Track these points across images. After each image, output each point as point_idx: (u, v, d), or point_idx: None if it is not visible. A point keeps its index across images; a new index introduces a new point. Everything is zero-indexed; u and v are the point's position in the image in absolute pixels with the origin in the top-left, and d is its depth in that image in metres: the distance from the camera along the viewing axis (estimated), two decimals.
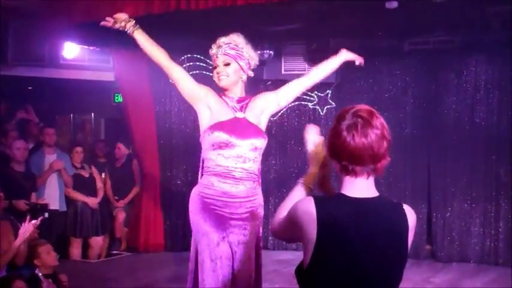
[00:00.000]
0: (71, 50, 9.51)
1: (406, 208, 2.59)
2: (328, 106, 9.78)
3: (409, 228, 2.56)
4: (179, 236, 9.72)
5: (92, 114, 12.15)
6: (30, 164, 8.62)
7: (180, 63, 9.43)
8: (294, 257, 8.56)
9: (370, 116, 2.50)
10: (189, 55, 9.51)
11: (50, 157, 8.89)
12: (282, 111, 9.65)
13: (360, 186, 2.53)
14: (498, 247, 9.01)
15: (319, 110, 9.80)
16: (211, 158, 4.30)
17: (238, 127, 4.31)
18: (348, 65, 4.94)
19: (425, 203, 9.42)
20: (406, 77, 9.49)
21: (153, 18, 7.21)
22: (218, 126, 4.28)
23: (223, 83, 4.43)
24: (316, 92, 9.73)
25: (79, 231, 9.06)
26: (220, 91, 4.51)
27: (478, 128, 9.11)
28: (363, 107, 2.56)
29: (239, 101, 4.45)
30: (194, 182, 4.58)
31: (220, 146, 4.26)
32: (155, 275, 8.23)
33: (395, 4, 6.98)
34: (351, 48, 4.89)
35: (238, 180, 4.28)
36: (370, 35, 8.98)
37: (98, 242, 9.29)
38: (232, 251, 4.29)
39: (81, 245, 9.18)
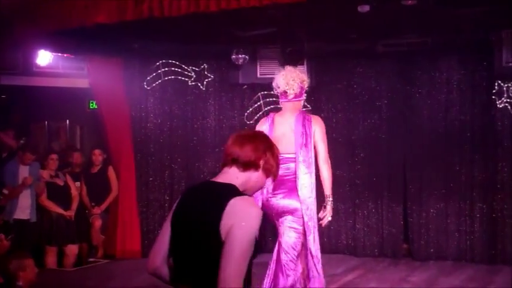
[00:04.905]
0: (44, 57, 9.46)
1: (235, 201, 2.73)
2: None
3: (223, 217, 2.67)
4: None
5: (67, 121, 12.07)
6: (5, 173, 8.56)
7: (155, 69, 9.53)
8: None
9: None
10: (164, 60, 9.51)
11: (24, 167, 8.76)
12: (258, 115, 9.69)
13: (223, 173, 2.94)
14: (474, 245, 9.10)
15: None
16: None
17: None
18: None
19: (402, 202, 9.50)
20: (380, 79, 9.55)
21: (127, 24, 7.20)
22: None
23: None
24: None
25: (54, 239, 8.97)
26: None
27: (452, 128, 9.21)
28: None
29: None
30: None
31: None
32: (133, 282, 8.17)
33: (367, 8, 7.04)
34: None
35: None
36: (343, 38, 9.03)
37: (73, 250, 9.16)
38: None
39: (56, 254, 9.10)
